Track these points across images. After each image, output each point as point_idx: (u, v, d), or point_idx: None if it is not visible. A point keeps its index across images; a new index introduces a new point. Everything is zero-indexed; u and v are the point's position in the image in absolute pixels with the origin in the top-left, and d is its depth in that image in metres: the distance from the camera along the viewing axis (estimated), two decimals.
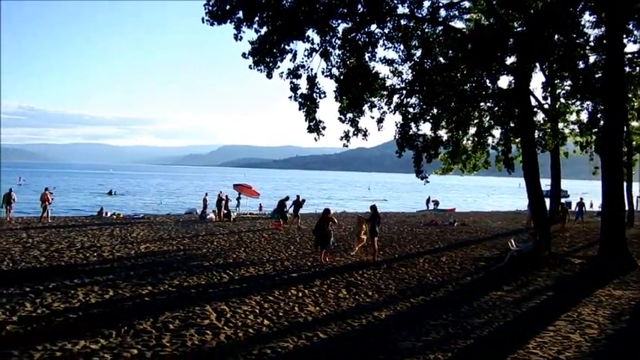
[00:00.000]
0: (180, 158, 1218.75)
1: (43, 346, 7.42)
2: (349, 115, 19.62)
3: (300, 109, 19.09)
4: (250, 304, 10.21)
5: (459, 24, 19.24)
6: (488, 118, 21.53)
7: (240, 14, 17.17)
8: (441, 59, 19.21)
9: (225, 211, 30.71)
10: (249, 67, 18.31)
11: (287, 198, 26.75)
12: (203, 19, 17.21)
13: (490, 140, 21.83)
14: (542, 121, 23.12)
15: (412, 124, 19.96)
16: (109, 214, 32.62)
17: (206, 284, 12.08)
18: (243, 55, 18.10)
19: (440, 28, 18.91)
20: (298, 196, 27.49)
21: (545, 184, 23.74)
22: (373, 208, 16.69)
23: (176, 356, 7.29)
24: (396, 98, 19.93)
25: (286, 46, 18.09)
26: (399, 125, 19.92)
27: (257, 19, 17.40)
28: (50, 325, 8.60)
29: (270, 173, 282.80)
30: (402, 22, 18.59)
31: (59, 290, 11.01)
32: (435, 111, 19.98)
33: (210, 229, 24.29)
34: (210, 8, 17.03)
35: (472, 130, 21.61)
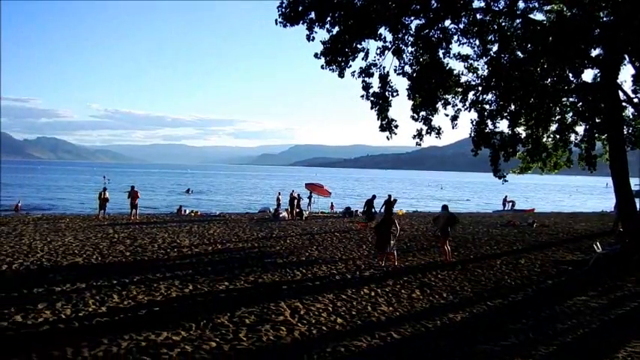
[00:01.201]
0: (254, 158, 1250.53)
1: (130, 335, 7.84)
2: (422, 113, 19.27)
3: (372, 108, 18.98)
4: (323, 302, 10.29)
5: (538, 16, 18.34)
6: (571, 114, 20.41)
7: (313, 15, 17.31)
8: (519, 53, 18.40)
9: (298, 210, 31.15)
10: (322, 67, 18.41)
11: (374, 197, 25.86)
12: (276, 21, 17.52)
13: (573, 137, 20.67)
14: (631, 117, 21.60)
15: (488, 122, 19.28)
16: (187, 212, 34.03)
17: (280, 281, 12.30)
18: (316, 55, 18.23)
19: (518, 21, 18.13)
20: (390, 196, 26.67)
21: (634, 183, 22.20)
22: (446, 207, 16.27)
23: (252, 351, 7.46)
24: (471, 95, 19.37)
25: (358, 45, 18.03)
26: (474, 123, 19.32)
27: (329, 19, 17.47)
28: (135, 316, 9.07)
29: (340, 172, 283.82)
30: (478, 16, 18.01)
31: (143, 283, 11.60)
32: (513, 107, 19.17)
33: (283, 227, 24.71)
34: (283, 10, 17.31)
35: (553, 127, 20.55)
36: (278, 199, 34.32)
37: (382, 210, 25.56)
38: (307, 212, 32.96)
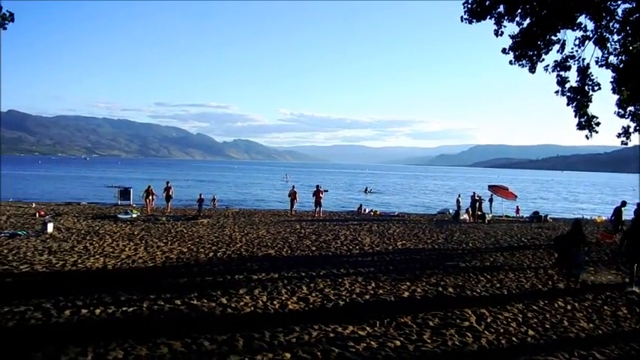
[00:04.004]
0: (432, 158, 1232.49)
1: (319, 326, 8.28)
2: (630, 108, 17.07)
3: (568, 104, 17.36)
4: (512, 312, 9.69)
5: None
6: None
7: (501, 8, 16.47)
8: None
9: (480, 213, 29.95)
10: (510, 62, 17.49)
11: (624, 203, 22.58)
12: (462, 18, 17.01)
13: None
14: None
15: None
16: (367, 211, 34.85)
17: (463, 285, 11.91)
18: (504, 50, 17.32)
19: None
20: (624, 202, 22.91)
21: None
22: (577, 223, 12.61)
23: (437, 354, 7.33)
24: None
25: (552, 37, 16.69)
26: None
27: (519, 11, 16.46)
28: (323, 309, 9.54)
29: (525, 174, 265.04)
30: None
31: (328, 277, 12.18)
32: None
33: (464, 230, 23.94)
34: (469, 6, 16.74)
35: None
36: (458, 201, 33.35)
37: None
38: (490, 215, 31.45)
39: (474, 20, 16.89)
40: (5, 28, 12.93)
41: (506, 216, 34.39)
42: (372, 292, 10.93)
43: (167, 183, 31.51)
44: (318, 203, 30.16)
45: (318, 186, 31.90)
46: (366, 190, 73.82)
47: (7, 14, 12.72)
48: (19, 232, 18.01)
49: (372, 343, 7.60)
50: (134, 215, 25.72)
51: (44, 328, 7.81)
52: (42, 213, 25.21)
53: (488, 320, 9.05)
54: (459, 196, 34.63)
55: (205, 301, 9.64)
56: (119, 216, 25.20)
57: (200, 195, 30.88)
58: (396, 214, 34.39)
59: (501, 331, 8.48)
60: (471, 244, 19.05)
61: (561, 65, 17.03)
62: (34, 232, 18.54)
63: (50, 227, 18.75)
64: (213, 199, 37.49)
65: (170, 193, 30.67)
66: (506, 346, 7.80)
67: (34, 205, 30.19)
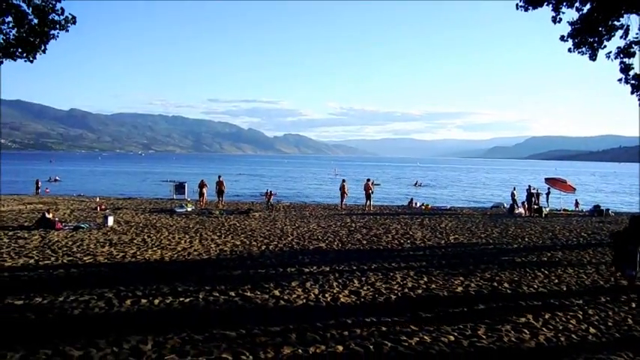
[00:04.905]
0: (484, 151, 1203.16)
1: (370, 319, 8.25)
2: None
3: (632, 93, 16.52)
4: (572, 308, 9.33)
5: None
6: None
7: None
8: None
9: (536, 207, 29.03)
10: (569, 50, 16.79)
11: None
12: (517, 5, 16.47)
13: None
14: None
15: None
16: (418, 205, 34.45)
17: (519, 281, 11.56)
18: (562, 37, 16.66)
19: None
20: None
21: None
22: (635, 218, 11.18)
23: (492, 350, 7.16)
24: None
25: (615, 22, 15.90)
26: None
27: None
28: (374, 302, 9.50)
29: (584, 166, 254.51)
30: None
31: (380, 271, 12.11)
32: None
33: (519, 224, 23.27)
34: None
35: None
36: (513, 194, 32.46)
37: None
38: (547, 209, 30.42)
39: (530, 7, 16.31)
40: (67, 30, 13.52)
41: (565, 210, 33.16)
42: (425, 286, 10.80)
43: (219, 177, 32.12)
44: (368, 197, 30.06)
45: (368, 179, 31.77)
46: (416, 183, 73.01)
47: (70, 17, 13.30)
48: (82, 225, 18.88)
49: (426, 337, 7.50)
50: (189, 209, 26.45)
51: (107, 317, 8.17)
52: (102, 207, 26.34)
53: (547, 317, 8.76)
54: (514, 189, 33.71)
55: (258, 293, 9.80)
56: (175, 210, 25.98)
57: (269, 190, 32.26)
58: (448, 207, 33.83)
59: (560, 328, 8.19)
60: (527, 239, 18.49)
61: (625, 51, 16.20)
62: (96, 225, 19.41)
63: (110, 220, 19.58)
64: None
65: (222, 187, 31.28)
66: (565, 344, 7.53)
67: (97, 200, 31.58)
